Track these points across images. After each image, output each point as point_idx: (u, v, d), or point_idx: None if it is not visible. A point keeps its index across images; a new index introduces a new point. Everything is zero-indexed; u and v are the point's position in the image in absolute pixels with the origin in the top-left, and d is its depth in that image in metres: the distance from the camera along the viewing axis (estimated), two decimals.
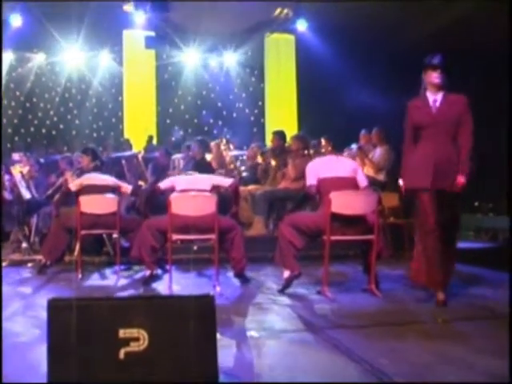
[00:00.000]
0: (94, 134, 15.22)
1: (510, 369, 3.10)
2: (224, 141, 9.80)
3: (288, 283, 5.43)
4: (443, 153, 4.93)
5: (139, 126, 13.60)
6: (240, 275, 6.01)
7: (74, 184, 7.09)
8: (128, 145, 11.88)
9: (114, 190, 7.05)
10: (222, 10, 12.39)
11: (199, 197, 5.92)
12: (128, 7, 12.73)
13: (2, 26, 10.32)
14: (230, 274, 6.20)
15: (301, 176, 8.26)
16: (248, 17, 13.24)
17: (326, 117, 12.75)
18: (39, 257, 7.11)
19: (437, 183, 4.89)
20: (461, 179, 4.87)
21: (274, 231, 8.49)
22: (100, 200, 6.63)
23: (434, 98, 5.03)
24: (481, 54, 12.97)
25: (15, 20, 12.26)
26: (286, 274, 5.44)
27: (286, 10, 13.42)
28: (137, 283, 6.11)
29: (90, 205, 6.58)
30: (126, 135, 13.39)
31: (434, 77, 4.99)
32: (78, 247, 6.85)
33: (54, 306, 2.60)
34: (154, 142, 13.49)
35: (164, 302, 2.73)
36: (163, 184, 6.35)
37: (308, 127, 12.09)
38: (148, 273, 6.01)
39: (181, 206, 5.75)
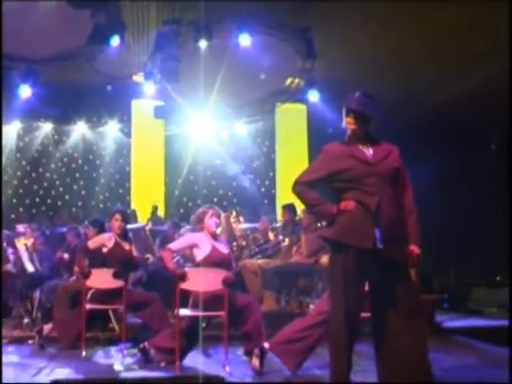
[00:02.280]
0: (101, 205, 15.38)
1: (510, 369, 3.07)
2: (234, 213, 9.89)
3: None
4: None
5: (147, 197, 13.75)
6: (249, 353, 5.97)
7: (93, 241, 7.16)
8: (134, 216, 12.00)
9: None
10: (233, 79, 12.70)
11: (211, 272, 5.95)
12: (138, 77, 13.08)
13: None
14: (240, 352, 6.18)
15: (314, 251, 8.34)
16: (259, 87, 13.55)
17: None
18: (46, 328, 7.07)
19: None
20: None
21: (286, 307, 8.50)
22: (107, 274, 6.68)
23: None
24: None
25: (24, 91, 12.62)
26: None
27: (297, 80, 13.71)
28: (143, 362, 6.08)
29: (97, 279, 6.62)
30: (133, 206, 13.54)
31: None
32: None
33: None
34: (162, 213, 13.61)
35: None
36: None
37: None
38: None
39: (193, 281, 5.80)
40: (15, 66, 12.48)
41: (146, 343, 6.05)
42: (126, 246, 7.13)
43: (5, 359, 6.36)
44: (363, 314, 5.25)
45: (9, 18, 11.03)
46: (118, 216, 7.20)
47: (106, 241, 7.06)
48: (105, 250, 7.01)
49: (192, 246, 6.18)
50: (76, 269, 7.96)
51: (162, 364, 5.95)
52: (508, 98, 10.00)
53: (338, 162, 4.37)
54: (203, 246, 6.12)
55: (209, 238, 6.19)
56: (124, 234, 7.22)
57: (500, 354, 6.33)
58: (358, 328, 4.29)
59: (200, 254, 6.11)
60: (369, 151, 4.39)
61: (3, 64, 12.18)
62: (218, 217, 6.34)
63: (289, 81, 13.89)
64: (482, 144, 15.17)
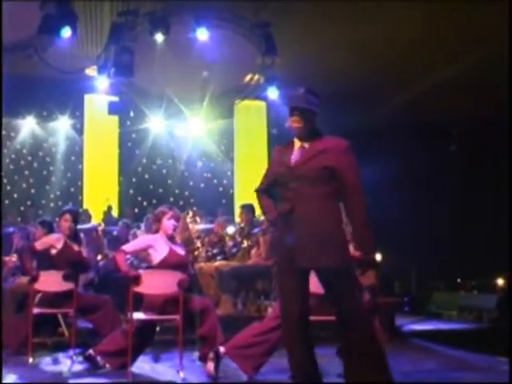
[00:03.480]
0: (52, 204, 15.17)
1: (510, 369, 3.13)
2: (191, 213, 9.84)
3: None
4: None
5: (100, 197, 13.61)
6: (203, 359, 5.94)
7: (41, 242, 7.05)
8: (87, 216, 11.86)
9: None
10: (190, 74, 12.65)
11: (165, 274, 5.90)
12: (90, 71, 12.93)
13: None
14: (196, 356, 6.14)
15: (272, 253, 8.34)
16: (217, 82, 13.52)
17: None
18: None
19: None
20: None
21: (244, 310, 8.48)
22: (56, 276, 6.58)
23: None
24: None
25: None
26: None
27: (257, 76, 13.72)
28: (92, 369, 6.00)
29: (45, 281, 6.52)
30: (86, 206, 13.39)
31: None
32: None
33: None
34: (116, 213, 13.49)
35: None
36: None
37: None
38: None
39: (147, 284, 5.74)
40: None
41: (91, 350, 5.97)
42: (76, 248, 7.05)
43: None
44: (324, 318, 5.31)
45: None
46: (67, 216, 7.12)
47: (54, 242, 6.97)
48: (53, 251, 6.91)
49: (147, 248, 6.13)
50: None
51: (111, 369, 5.87)
52: (508, 97, 10.19)
53: (275, 167, 4.52)
54: (160, 248, 6.06)
55: (165, 240, 6.14)
56: (74, 235, 7.13)
57: (460, 358, 6.41)
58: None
59: (157, 257, 6.05)
60: (298, 153, 4.39)
61: None
62: (178, 220, 6.30)
63: (248, 77, 13.89)
64: (445, 144, 15.42)
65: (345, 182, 4.26)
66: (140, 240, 6.57)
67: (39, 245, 6.99)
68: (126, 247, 6.22)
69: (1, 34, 10.41)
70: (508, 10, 9.27)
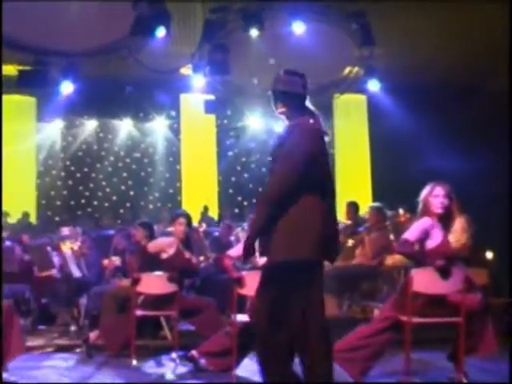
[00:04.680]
0: (150, 206, 15.53)
1: (510, 369, 2.98)
2: None
3: None
4: None
5: (199, 197, 13.81)
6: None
7: (154, 245, 7.19)
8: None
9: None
10: (284, 68, 12.67)
11: None
12: (185, 70, 13.15)
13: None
14: None
15: (378, 252, 8.24)
16: (315, 77, 13.45)
17: (402, 183, 12.71)
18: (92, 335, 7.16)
19: None
20: None
21: (348, 312, 8.41)
22: (159, 278, 6.72)
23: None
24: None
25: (66, 87, 12.82)
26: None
27: (356, 69, 13.59)
28: (196, 371, 6.08)
29: (148, 284, 6.67)
30: (184, 207, 13.63)
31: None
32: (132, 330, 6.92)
33: None
34: (215, 213, 13.66)
35: None
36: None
37: (382, 195, 12.07)
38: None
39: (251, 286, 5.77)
40: (55, 61, 12.68)
41: (194, 351, 6.05)
42: (187, 255, 7.10)
43: (51, 368, 6.47)
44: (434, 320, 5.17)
45: (46, 12, 11.25)
46: (182, 220, 7.15)
47: (166, 247, 7.07)
48: (164, 255, 7.02)
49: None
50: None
51: (214, 371, 5.93)
52: (508, 96, 9.75)
53: None
54: None
55: None
56: (186, 240, 7.21)
57: None
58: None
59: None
60: None
61: (42, 60, 12.42)
62: None
63: (347, 70, 13.77)
64: None
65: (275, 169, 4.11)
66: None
67: (152, 247, 7.12)
68: (232, 252, 6.29)
69: (1, 33, 10.69)
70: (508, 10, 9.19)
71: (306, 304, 4.06)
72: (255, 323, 4.24)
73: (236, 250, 6.33)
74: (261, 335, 4.07)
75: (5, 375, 5.55)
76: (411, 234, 5.40)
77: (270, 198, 4.00)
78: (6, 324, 5.50)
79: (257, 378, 5.83)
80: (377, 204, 9.56)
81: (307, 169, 3.96)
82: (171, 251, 7.01)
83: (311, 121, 4.19)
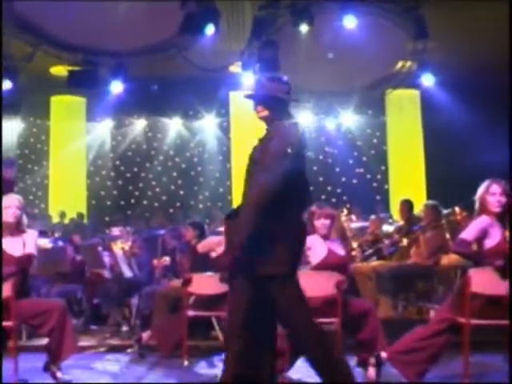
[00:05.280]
0: (200, 206, 15.62)
1: (510, 368, 2.92)
2: (345, 211, 9.77)
3: None
4: None
5: None
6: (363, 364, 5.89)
7: (203, 245, 7.24)
8: None
9: None
10: (339, 66, 12.61)
11: (322, 275, 5.91)
12: (235, 68, 13.20)
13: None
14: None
15: (434, 251, 8.15)
16: (367, 72, 13.39)
17: (458, 180, 12.56)
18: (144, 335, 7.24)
19: None
20: None
21: (404, 313, 8.34)
22: (211, 278, 6.76)
23: None
24: None
25: (116, 87, 13.00)
26: None
27: (409, 63, 13.45)
28: None
29: (200, 284, 6.71)
30: (235, 206, 13.65)
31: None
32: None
33: None
34: None
35: None
36: None
37: (437, 193, 11.93)
38: None
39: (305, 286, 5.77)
40: (104, 61, 12.86)
41: None
42: None
43: (103, 368, 6.57)
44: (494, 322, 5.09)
45: (95, 12, 11.41)
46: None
47: (215, 246, 7.13)
48: (213, 254, 7.08)
49: (306, 250, 6.15)
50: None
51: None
52: (508, 97, 9.52)
53: None
54: (318, 249, 6.08)
55: (322, 241, 6.14)
56: None
57: None
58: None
59: (316, 258, 6.07)
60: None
61: (92, 60, 12.61)
62: (329, 217, 6.26)
63: (399, 64, 13.65)
64: None
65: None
66: None
67: (201, 247, 7.19)
68: None
69: (1, 33, 10.80)
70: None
71: None
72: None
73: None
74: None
75: (58, 374, 5.65)
76: (468, 233, 5.33)
77: (259, 205, 4.04)
78: (59, 324, 5.60)
79: (310, 379, 5.85)
80: (432, 202, 9.45)
81: (293, 169, 4.10)
82: (220, 250, 7.05)
83: (290, 125, 4.27)
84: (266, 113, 4.37)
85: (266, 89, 4.37)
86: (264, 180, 4.07)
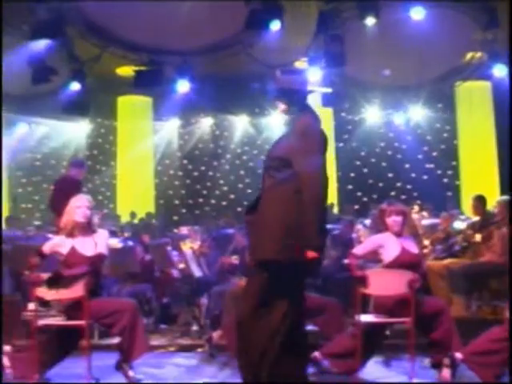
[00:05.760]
0: None
1: (510, 368, 2.80)
2: (416, 207, 9.64)
3: None
4: None
5: None
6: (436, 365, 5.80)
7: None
8: None
9: None
10: (406, 59, 12.46)
11: (394, 273, 5.85)
12: (300, 63, 13.18)
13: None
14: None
15: (509, 248, 7.94)
16: (435, 64, 13.20)
17: None
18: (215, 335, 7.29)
19: None
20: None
21: (478, 313, 8.18)
22: None
23: None
24: None
25: (182, 86, 13.14)
26: None
27: (479, 54, 13.20)
28: (318, 372, 6.04)
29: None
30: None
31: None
32: None
33: None
34: (335, 210, 13.61)
35: None
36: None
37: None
38: None
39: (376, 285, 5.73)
40: (169, 60, 13.01)
41: (316, 353, 6.03)
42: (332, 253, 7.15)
43: (173, 368, 6.64)
44: None
45: (159, 12, 11.56)
46: None
47: None
48: None
49: (378, 249, 6.10)
50: None
51: (337, 373, 5.90)
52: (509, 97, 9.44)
53: None
54: (391, 247, 6.00)
55: (395, 238, 6.06)
56: None
57: None
58: None
59: (388, 256, 6.00)
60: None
61: (157, 60, 12.78)
62: (398, 214, 6.17)
63: (469, 55, 13.40)
64: None
65: (297, 171, 4.03)
66: (370, 241, 6.50)
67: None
68: (357, 250, 6.23)
69: (1, 33, 10.88)
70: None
71: None
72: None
73: (361, 249, 6.27)
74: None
75: (130, 373, 5.76)
76: None
77: (318, 198, 3.99)
78: (130, 323, 5.69)
79: (383, 380, 5.80)
80: (506, 197, 9.24)
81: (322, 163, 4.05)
82: None
83: (310, 116, 4.22)
84: (283, 107, 4.34)
85: (280, 82, 4.34)
86: (309, 178, 3.98)
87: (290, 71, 4.46)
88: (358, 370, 5.72)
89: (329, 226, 10.71)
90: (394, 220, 6.07)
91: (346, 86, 13.53)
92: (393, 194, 14.91)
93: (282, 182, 4.10)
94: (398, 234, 6.08)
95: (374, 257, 6.46)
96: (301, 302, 4.24)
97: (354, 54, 11.84)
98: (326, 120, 14.62)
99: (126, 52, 13.41)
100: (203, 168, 16.45)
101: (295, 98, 4.31)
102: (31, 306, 6.60)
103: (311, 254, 3.96)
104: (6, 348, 6.51)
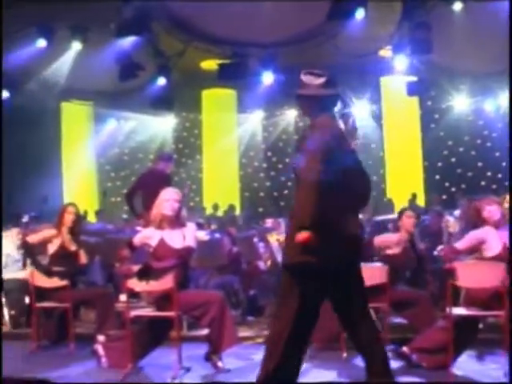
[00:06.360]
0: None
1: (510, 368, 2.61)
2: (507, 197, 9.34)
3: None
4: None
5: (404, 185, 13.62)
6: None
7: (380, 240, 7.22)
8: (391, 206, 11.93)
9: None
10: (495, 44, 12.14)
11: (487, 266, 5.73)
12: (385, 52, 13.01)
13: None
14: None
15: None
16: None
17: None
18: None
19: None
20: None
21: None
22: (370, 270, 6.65)
23: None
24: None
25: (267, 78, 13.17)
26: None
27: None
28: (407, 367, 5.98)
29: None
30: (389, 195, 13.48)
31: None
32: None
33: None
34: (421, 201, 13.40)
35: None
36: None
37: None
38: None
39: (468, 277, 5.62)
40: (253, 53, 13.05)
41: (405, 347, 5.95)
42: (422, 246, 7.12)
43: (258, 359, 6.67)
44: None
45: (242, 5, 11.60)
46: (409, 213, 7.17)
47: (391, 243, 7.04)
48: (389, 251, 7.00)
49: (480, 244, 5.97)
50: None
51: (427, 368, 5.80)
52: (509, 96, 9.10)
53: None
54: (492, 242, 5.87)
55: (495, 232, 5.91)
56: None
57: None
58: None
59: (490, 251, 5.87)
60: None
61: (240, 52, 12.83)
62: (493, 204, 6.01)
63: None
64: None
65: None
66: (471, 237, 6.32)
67: (379, 242, 7.13)
68: (459, 245, 6.12)
69: (1, 32, 10.87)
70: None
71: None
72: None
73: (463, 243, 6.12)
74: None
75: (219, 364, 5.87)
76: None
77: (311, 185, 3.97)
78: (218, 315, 5.76)
79: (476, 376, 5.66)
80: None
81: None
82: (398, 250, 6.94)
83: (326, 121, 4.20)
84: (302, 111, 4.45)
85: (298, 88, 4.36)
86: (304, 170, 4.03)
87: (309, 73, 4.39)
88: (449, 365, 5.61)
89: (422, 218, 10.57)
90: (489, 211, 5.93)
91: (433, 74, 13.26)
92: (482, 183, 14.55)
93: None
94: (497, 226, 5.92)
95: (473, 252, 6.32)
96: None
97: (440, 41, 11.60)
98: (412, 109, 14.39)
99: (210, 46, 13.53)
100: (287, 160, 16.45)
101: (312, 103, 4.33)
102: (123, 297, 6.79)
103: (303, 234, 3.92)
104: (100, 338, 6.72)
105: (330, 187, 3.96)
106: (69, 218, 7.29)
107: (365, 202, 4.47)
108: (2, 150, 12.10)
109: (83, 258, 7.41)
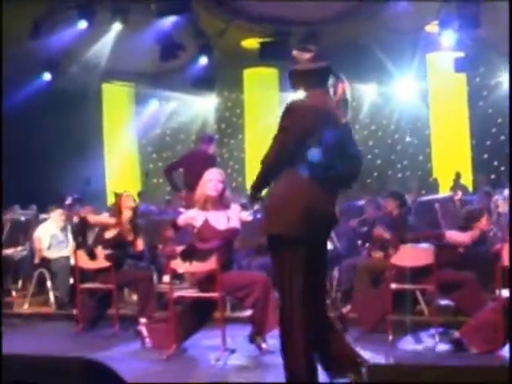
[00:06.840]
0: (399, 175, 15.39)
1: (510, 368, 2.52)
2: None
3: None
4: None
5: (450, 164, 13.45)
6: None
7: None
8: (436, 185, 11.80)
9: None
10: None
11: None
12: (431, 28, 12.81)
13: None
14: None
15: None
16: None
17: None
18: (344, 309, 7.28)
19: None
20: None
21: None
22: (413, 250, 6.65)
23: None
24: None
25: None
26: None
27: None
28: (457, 351, 5.91)
29: (404, 256, 6.61)
30: (435, 174, 13.34)
31: None
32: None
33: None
34: (468, 181, 13.23)
35: None
36: None
37: None
38: None
39: None
40: (295, 31, 12.97)
41: (458, 333, 5.89)
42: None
43: None
44: None
45: None
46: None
47: None
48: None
49: None
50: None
51: (478, 352, 5.74)
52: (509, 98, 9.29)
53: None
54: None
55: None
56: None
57: None
58: None
59: None
60: None
61: (283, 31, 12.76)
62: None
63: None
64: None
65: None
66: None
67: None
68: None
69: (1, 32, 10.79)
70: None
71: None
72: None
73: None
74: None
75: (263, 345, 5.93)
76: None
77: (267, 162, 4.38)
78: (262, 296, 5.78)
79: None
80: None
81: (297, 145, 4.18)
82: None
83: (314, 97, 4.31)
84: (294, 88, 4.54)
85: (293, 63, 4.44)
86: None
87: (301, 49, 4.45)
88: (500, 347, 5.54)
89: (465, 198, 10.44)
90: None
91: (482, 49, 13.02)
92: None
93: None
94: None
95: None
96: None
97: (489, 15, 11.38)
98: (459, 86, 14.17)
99: (251, 24, 13.47)
100: None
101: (303, 78, 4.42)
102: (166, 278, 6.85)
103: None
104: (142, 319, 6.80)
105: (307, 168, 4.13)
106: (128, 213, 7.40)
107: (347, 182, 4.56)
108: (2, 148, 12.27)
109: (140, 246, 7.52)
